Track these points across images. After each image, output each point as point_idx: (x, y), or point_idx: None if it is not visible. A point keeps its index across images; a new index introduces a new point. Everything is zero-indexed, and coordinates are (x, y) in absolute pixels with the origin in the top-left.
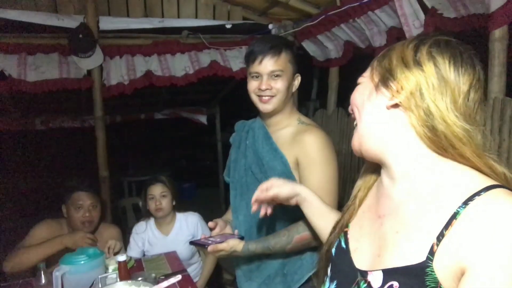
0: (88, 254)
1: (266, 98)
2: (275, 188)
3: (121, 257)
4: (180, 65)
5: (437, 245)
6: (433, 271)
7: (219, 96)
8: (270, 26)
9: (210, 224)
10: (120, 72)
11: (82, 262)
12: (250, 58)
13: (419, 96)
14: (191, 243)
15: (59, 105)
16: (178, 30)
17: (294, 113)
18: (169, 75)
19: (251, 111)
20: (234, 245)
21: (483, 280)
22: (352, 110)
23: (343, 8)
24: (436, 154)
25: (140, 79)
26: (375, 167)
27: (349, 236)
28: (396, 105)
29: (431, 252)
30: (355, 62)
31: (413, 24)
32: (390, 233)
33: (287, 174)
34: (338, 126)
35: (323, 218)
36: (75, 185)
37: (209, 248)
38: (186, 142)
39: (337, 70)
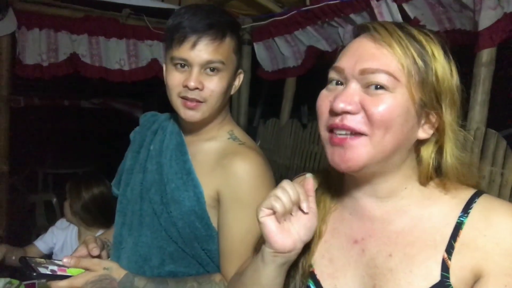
0: None
1: (193, 103)
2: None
3: None
4: (114, 55)
5: (449, 259)
6: None
7: (160, 91)
8: None
9: (89, 244)
10: (38, 49)
11: None
12: (175, 36)
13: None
14: (23, 261)
15: None
16: (117, 7)
17: (226, 122)
18: (100, 65)
19: None
20: (110, 268)
21: (500, 285)
22: (373, 123)
23: (315, 6)
24: None
25: (63, 63)
26: (330, 191)
27: (318, 276)
28: None
29: (445, 269)
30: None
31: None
32: (381, 258)
33: (198, 213)
34: (292, 140)
35: None
36: None
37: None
38: (114, 133)
39: (294, 79)
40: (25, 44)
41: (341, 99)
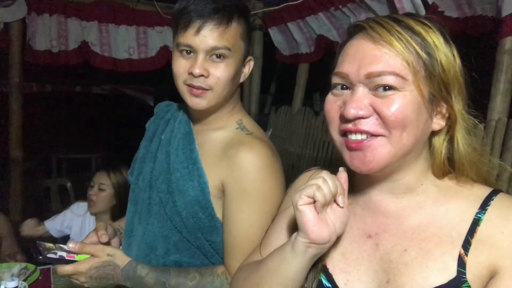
0: None
1: (199, 91)
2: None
3: (11, 283)
4: (123, 44)
5: (466, 255)
6: (469, 285)
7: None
8: None
9: (99, 231)
10: (48, 35)
11: None
12: (180, 21)
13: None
14: (32, 245)
15: None
16: None
17: (236, 111)
18: (109, 55)
19: None
20: (114, 255)
21: None
22: (389, 124)
23: None
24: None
25: (73, 52)
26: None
27: (330, 271)
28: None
29: (462, 264)
30: (327, 56)
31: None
32: (396, 253)
33: (202, 203)
34: (304, 128)
35: None
36: None
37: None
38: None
39: (307, 65)
40: (35, 30)
41: (351, 106)
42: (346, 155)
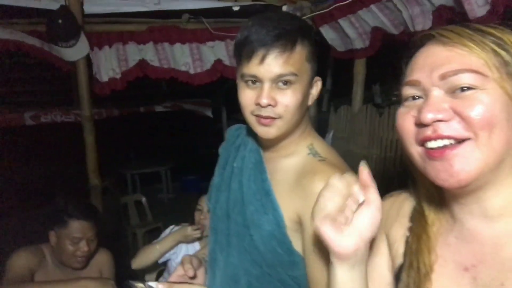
0: None
1: (267, 120)
2: None
3: None
4: (179, 59)
5: None
6: None
7: (225, 87)
8: (284, 8)
9: (185, 265)
10: (110, 64)
11: None
12: (243, 52)
13: None
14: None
15: (50, 97)
16: (177, 14)
17: (306, 134)
18: (168, 66)
19: None
20: None
21: None
22: (473, 128)
23: None
24: None
25: (133, 69)
26: (427, 213)
27: None
28: None
29: None
30: (384, 49)
31: (476, 1)
32: (494, 287)
33: (278, 237)
34: (367, 127)
35: None
36: (72, 212)
37: None
38: (187, 129)
39: (363, 61)
40: (99, 64)
41: (428, 109)
42: (429, 167)
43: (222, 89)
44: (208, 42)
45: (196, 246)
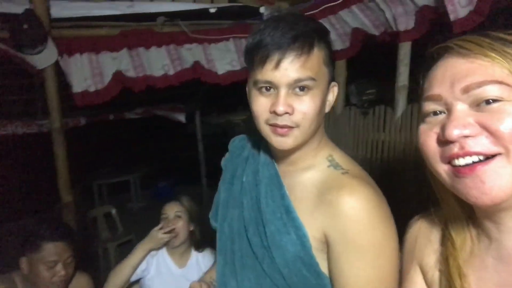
0: None
1: (284, 129)
2: None
3: None
4: (157, 62)
5: None
6: None
7: (200, 93)
8: (262, 10)
9: None
10: (82, 74)
11: None
12: (256, 57)
13: None
14: None
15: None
16: (151, 17)
17: (323, 145)
18: (144, 74)
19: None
20: None
21: None
22: (499, 143)
23: None
24: None
25: (110, 86)
26: (461, 229)
27: None
28: None
29: None
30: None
31: (459, 2)
32: None
33: (304, 259)
34: (351, 129)
35: None
36: (45, 233)
37: None
38: (159, 134)
39: (344, 62)
40: (69, 73)
41: (453, 125)
42: (458, 186)
43: (197, 93)
44: (185, 45)
45: (167, 259)
